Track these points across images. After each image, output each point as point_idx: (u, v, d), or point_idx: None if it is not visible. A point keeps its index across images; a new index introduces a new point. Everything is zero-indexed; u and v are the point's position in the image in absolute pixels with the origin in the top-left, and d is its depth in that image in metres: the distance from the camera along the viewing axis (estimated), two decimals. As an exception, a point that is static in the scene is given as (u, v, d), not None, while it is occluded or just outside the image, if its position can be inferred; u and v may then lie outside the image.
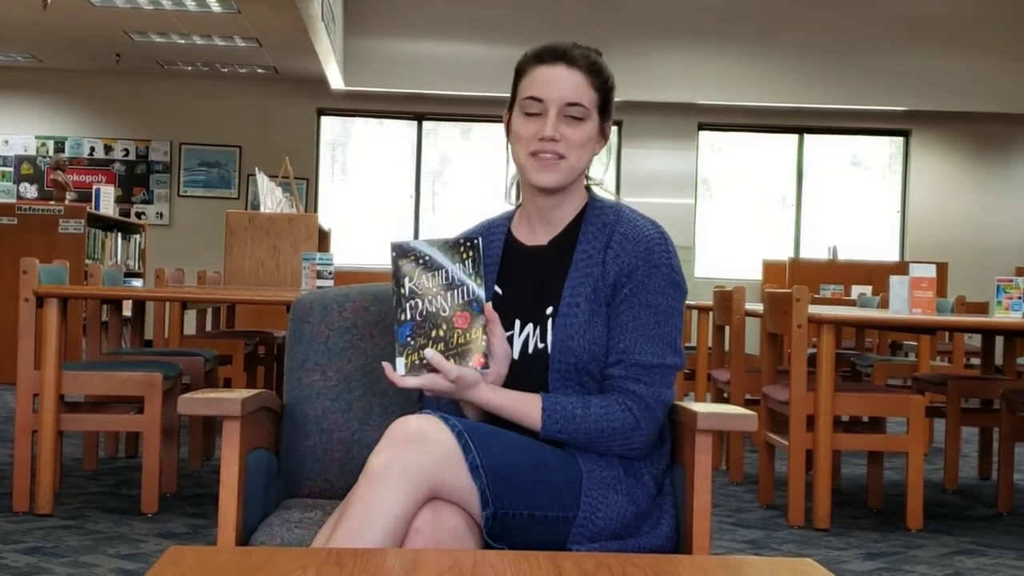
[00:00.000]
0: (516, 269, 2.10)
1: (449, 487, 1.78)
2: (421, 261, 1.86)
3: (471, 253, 1.88)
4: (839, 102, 12.19)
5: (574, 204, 2.10)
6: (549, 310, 2.02)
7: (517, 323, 2.04)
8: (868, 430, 4.80)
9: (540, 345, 2.01)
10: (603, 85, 2.05)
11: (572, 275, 2.02)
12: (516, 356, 2.02)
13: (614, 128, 2.19)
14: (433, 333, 1.87)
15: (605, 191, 2.17)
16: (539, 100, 2.01)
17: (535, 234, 2.11)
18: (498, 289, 2.09)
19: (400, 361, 1.87)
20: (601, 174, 2.19)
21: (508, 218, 2.17)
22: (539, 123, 2.01)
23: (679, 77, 11.91)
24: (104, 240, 8.98)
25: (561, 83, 2.01)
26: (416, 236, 12.58)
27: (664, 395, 1.98)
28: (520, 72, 2.06)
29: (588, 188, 2.14)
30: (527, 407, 1.94)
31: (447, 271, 1.88)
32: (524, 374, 1.98)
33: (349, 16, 11.67)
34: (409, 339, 1.86)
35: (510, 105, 2.08)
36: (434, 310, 1.87)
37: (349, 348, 2.32)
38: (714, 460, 5.10)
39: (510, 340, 2.03)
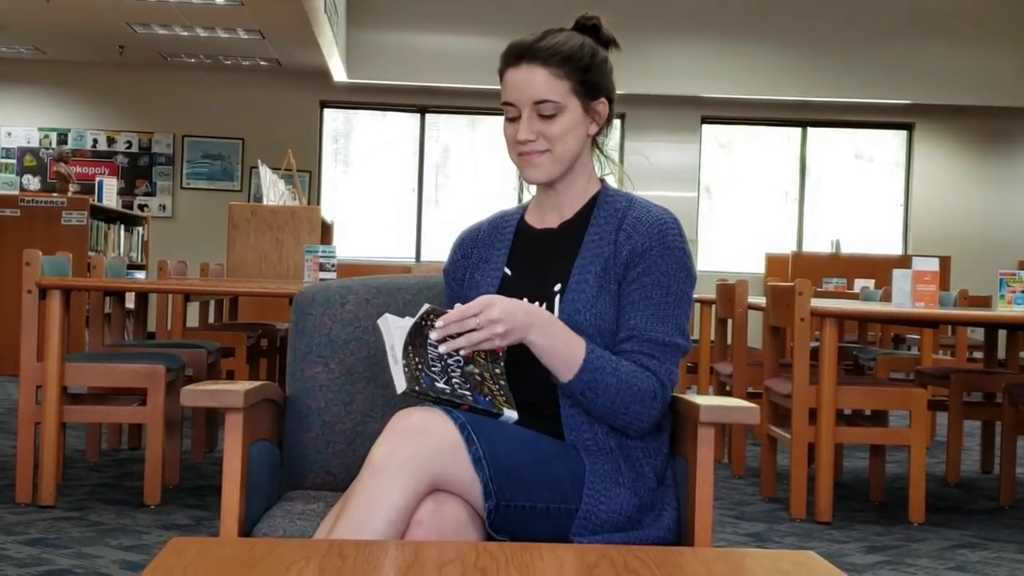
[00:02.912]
0: (525, 251, 2.12)
1: (451, 479, 1.79)
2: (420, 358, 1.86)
3: (431, 319, 1.88)
4: (843, 95, 12.18)
5: (583, 188, 2.11)
6: (557, 287, 2.03)
7: (525, 301, 2.04)
8: (870, 423, 4.80)
9: None
10: (575, 69, 2.03)
11: (583, 254, 2.04)
12: None
13: (616, 121, 2.18)
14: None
15: (621, 176, 2.18)
16: (512, 104, 2.04)
17: (546, 219, 2.13)
18: (507, 270, 2.10)
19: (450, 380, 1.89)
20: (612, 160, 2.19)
21: (523, 208, 2.20)
22: (516, 126, 2.04)
23: (682, 70, 11.90)
24: (107, 232, 8.98)
25: (525, 84, 2.02)
26: (419, 230, 12.59)
27: (675, 375, 1.99)
28: (500, 76, 2.08)
29: (602, 180, 2.15)
30: (573, 340, 1.92)
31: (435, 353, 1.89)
32: (527, 350, 1.97)
33: (352, 8, 11.67)
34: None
35: None
36: (456, 364, 1.89)
37: (352, 340, 2.32)
38: (716, 453, 5.10)
39: None
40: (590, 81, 2.05)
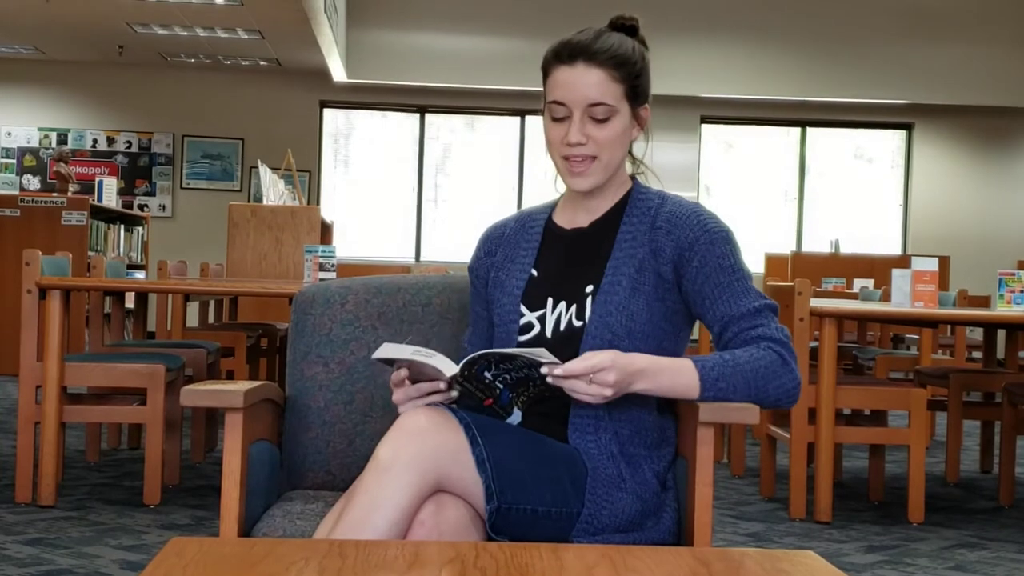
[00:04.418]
0: (553, 251, 2.09)
1: (455, 479, 1.78)
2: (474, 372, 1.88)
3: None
4: (842, 95, 12.18)
5: (616, 190, 2.08)
6: (589, 288, 2.01)
7: (549, 301, 2.03)
8: (870, 423, 4.80)
9: (577, 323, 1.99)
10: (630, 74, 1.99)
11: (615, 255, 2.01)
12: (549, 334, 2.01)
13: None
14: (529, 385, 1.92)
15: (649, 174, 2.15)
16: (562, 104, 1.98)
17: (576, 218, 2.10)
18: (533, 271, 2.07)
19: (516, 412, 1.95)
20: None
21: (550, 207, 2.16)
22: (565, 127, 1.98)
23: (682, 70, 11.90)
24: (107, 232, 8.99)
25: (581, 84, 1.96)
26: (418, 230, 12.59)
27: (784, 329, 1.97)
28: (544, 72, 2.02)
29: (633, 177, 2.12)
30: (680, 368, 1.91)
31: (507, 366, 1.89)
32: (557, 352, 1.91)
33: (351, 8, 11.67)
34: (513, 396, 1.93)
35: (543, 103, 2.05)
36: (521, 376, 1.89)
37: (351, 340, 2.32)
38: (716, 453, 5.10)
39: (542, 319, 2.03)
40: (640, 87, 2.02)
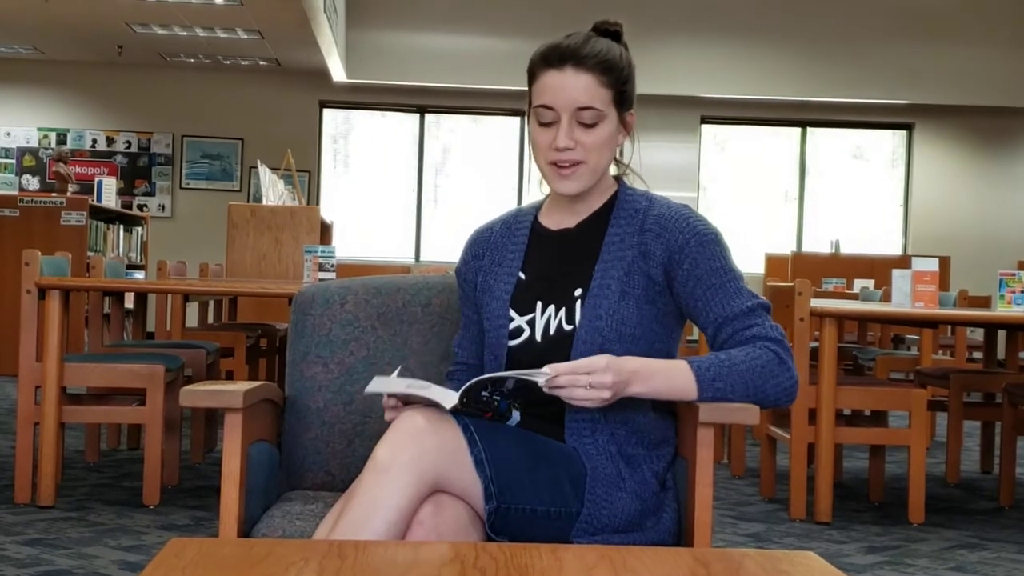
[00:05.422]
0: (540, 253, 2.08)
1: (453, 480, 1.78)
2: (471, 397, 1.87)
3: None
4: (842, 95, 12.18)
5: (602, 191, 2.07)
6: (578, 292, 1.99)
7: (539, 304, 2.02)
8: (870, 424, 4.80)
9: (567, 327, 1.98)
10: (617, 79, 1.99)
11: (604, 257, 2.00)
12: (539, 338, 2.00)
13: None
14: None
15: (635, 176, 2.13)
16: (550, 108, 1.97)
17: (563, 220, 2.09)
18: (521, 275, 2.06)
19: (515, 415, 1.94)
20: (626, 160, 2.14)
21: (535, 208, 2.15)
22: (553, 132, 1.97)
23: (682, 70, 11.90)
24: (106, 232, 8.98)
25: (570, 88, 1.95)
26: (418, 230, 12.59)
27: (778, 328, 1.97)
28: (531, 75, 2.01)
29: (617, 178, 2.11)
30: (675, 370, 1.90)
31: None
32: (547, 356, 1.93)
33: (351, 8, 11.67)
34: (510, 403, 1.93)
35: (528, 107, 2.04)
36: (519, 386, 1.88)
37: (351, 340, 2.32)
38: (716, 453, 5.10)
39: (531, 323, 2.02)
40: (627, 92, 2.02)
